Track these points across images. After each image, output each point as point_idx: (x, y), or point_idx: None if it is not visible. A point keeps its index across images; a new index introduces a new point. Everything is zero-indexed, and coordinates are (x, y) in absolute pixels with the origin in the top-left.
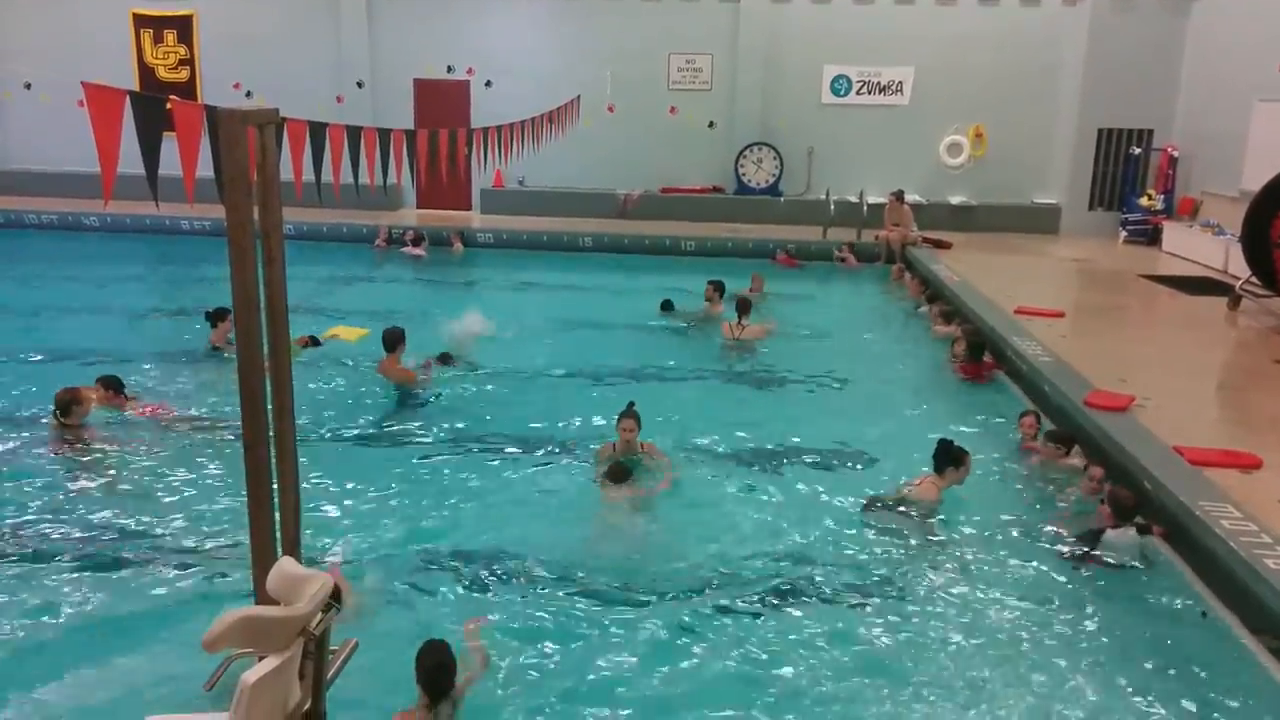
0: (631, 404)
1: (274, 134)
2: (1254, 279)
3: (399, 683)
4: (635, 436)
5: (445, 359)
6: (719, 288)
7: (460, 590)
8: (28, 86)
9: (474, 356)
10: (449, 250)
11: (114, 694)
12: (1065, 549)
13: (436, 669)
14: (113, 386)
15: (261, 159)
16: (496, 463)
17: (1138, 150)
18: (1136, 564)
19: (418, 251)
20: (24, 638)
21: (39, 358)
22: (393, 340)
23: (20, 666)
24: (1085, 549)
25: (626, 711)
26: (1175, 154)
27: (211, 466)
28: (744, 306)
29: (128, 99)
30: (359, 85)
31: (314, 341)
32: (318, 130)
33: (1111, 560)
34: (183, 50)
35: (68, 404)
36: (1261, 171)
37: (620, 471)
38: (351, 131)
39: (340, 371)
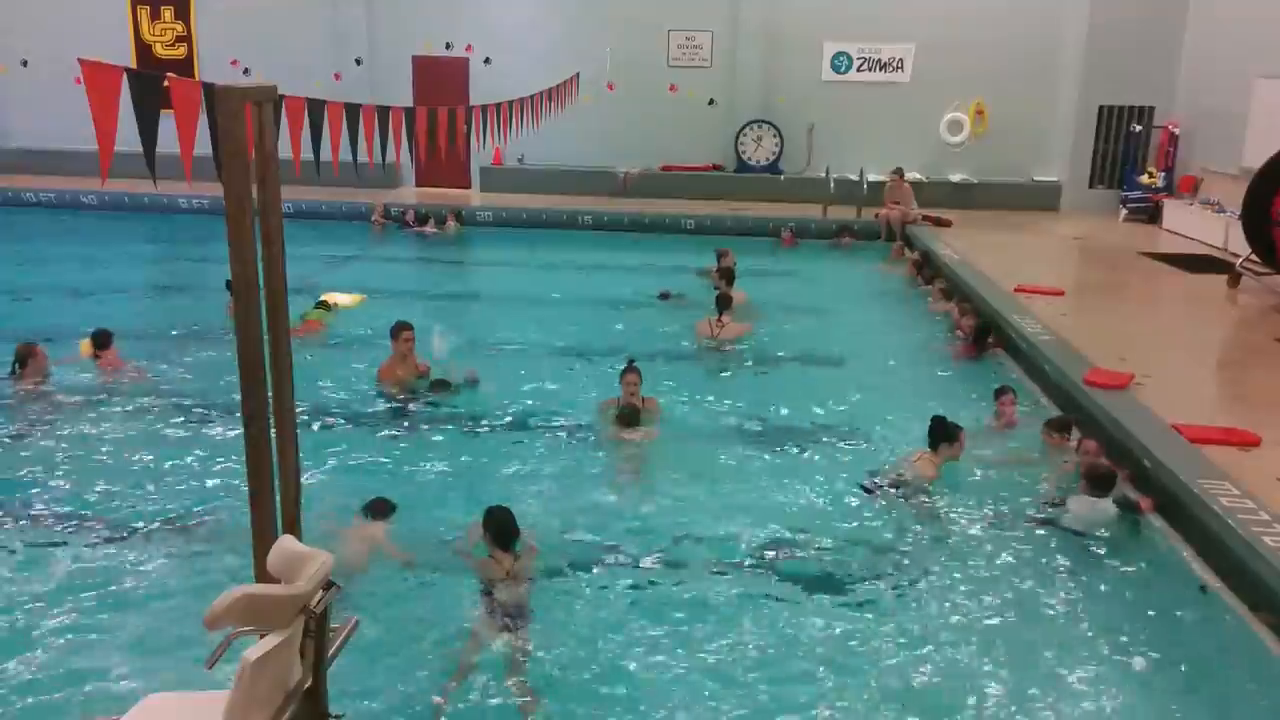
0: (632, 360)
1: (272, 111)
2: (1254, 257)
3: (402, 660)
4: (638, 390)
5: (442, 385)
6: (726, 276)
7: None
8: (25, 64)
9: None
10: (443, 229)
11: (116, 672)
12: (1051, 521)
13: (504, 524)
14: (97, 343)
15: (259, 136)
16: (496, 439)
17: (1138, 127)
18: (1108, 537)
19: (429, 229)
20: (24, 614)
21: (34, 335)
22: (397, 332)
23: (19, 644)
24: (1052, 517)
25: (619, 677)
26: (1176, 131)
27: (214, 441)
28: (724, 302)
29: (125, 76)
30: (357, 62)
31: (328, 307)
32: (316, 108)
33: (1078, 529)
34: (180, 27)
35: (24, 357)
36: (1262, 149)
37: (630, 416)
38: (350, 109)
39: (341, 350)
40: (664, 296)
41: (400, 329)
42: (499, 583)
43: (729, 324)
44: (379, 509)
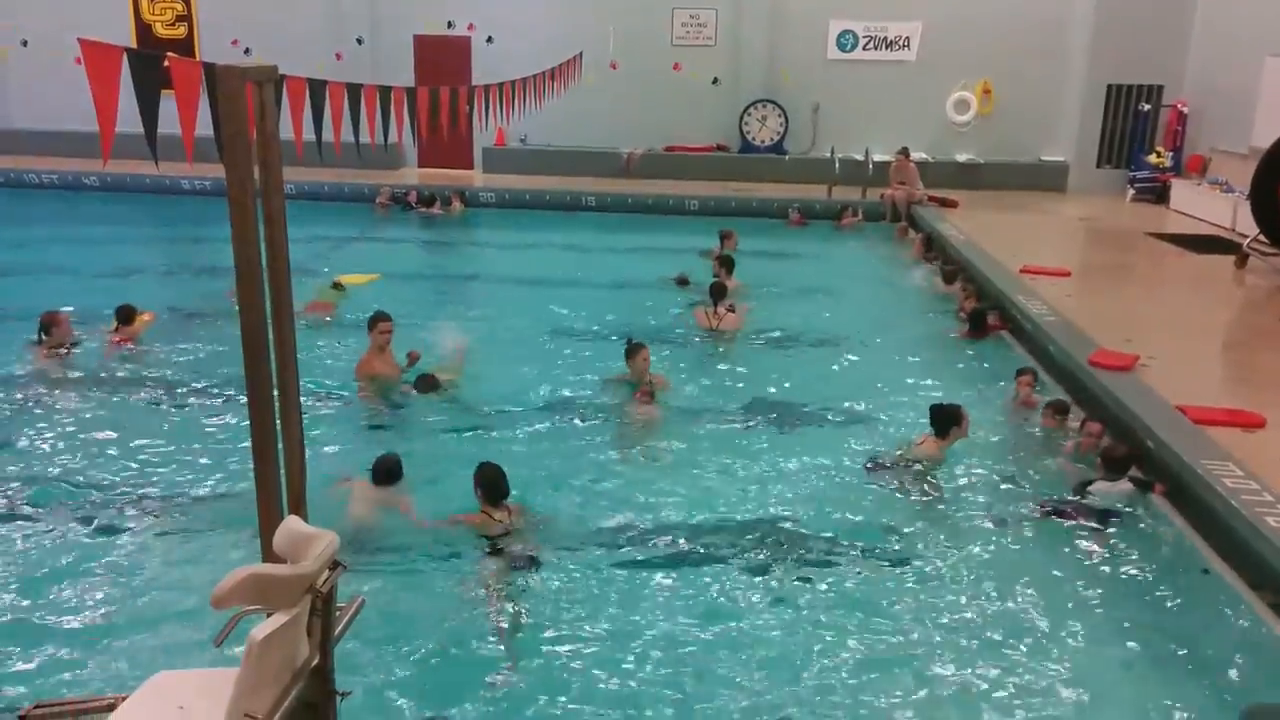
0: (630, 339)
1: (273, 91)
2: (1261, 237)
3: (407, 639)
4: (648, 366)
5: (430, 384)
6: (726, 264)
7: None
8: (24, 44)
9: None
10: (449, 210)
11: (125, 650)
12: (1063, 503)
13: (494, 479)
14: (120, 317)
15: (261, 117)
16: (500, 419)
17: (1147, 106)
18: (1126, 511)
19: (435, 211)
20: (32, 591)
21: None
22: (374, 323)
23: (28, 621)
24: (1077, 498)
25: (622, 659)
26: (1185, 110)
27: (221, 422)
28: (720, 291)
29: (125, 57)
30: (359, 42)
31: (339, 287)
32: (317, 88)
33: (1101, 509)
34: (180, 6)
35: (47, 324)
36: (1272, 129)
37: (649, 392)
38: (351, 89)
39: (350, 331)
40: (682, 282)
41: (377, 320)
42: (499, 538)
43: (726, 315)
44: (390, 473)
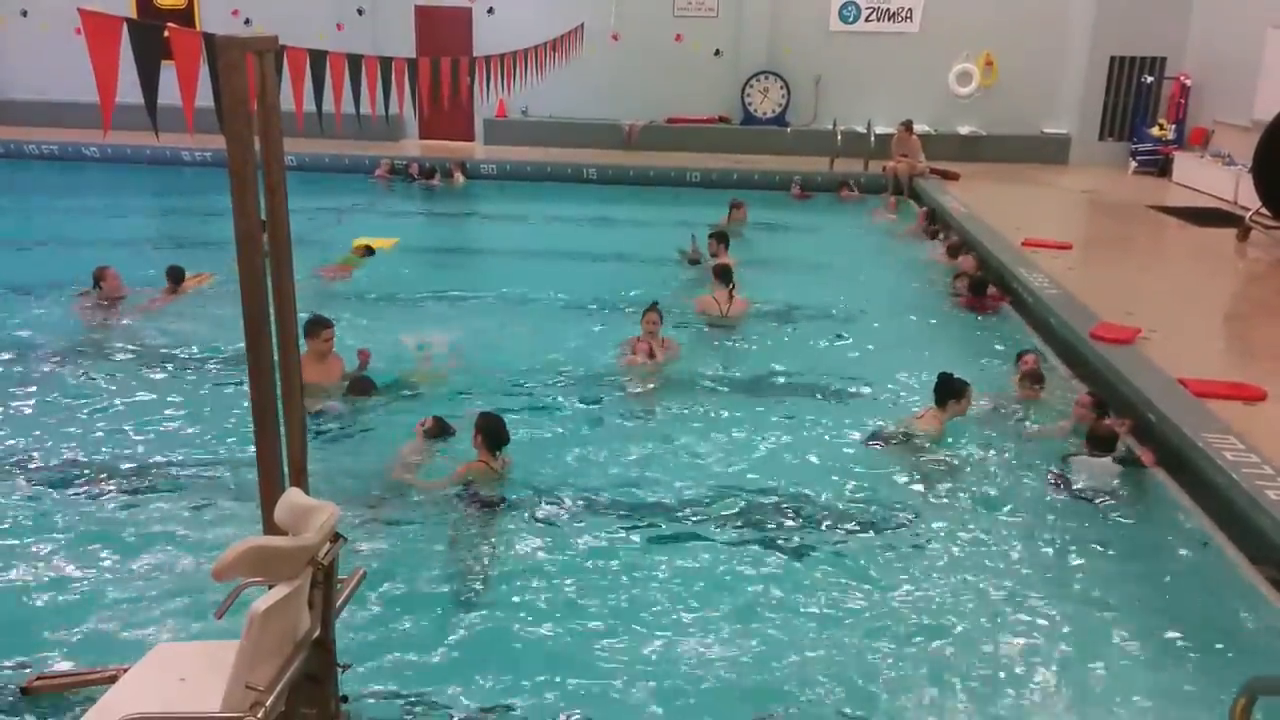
0: (655, 303)
1: (273, 62)
2: (1263, 210)
3: (407, 611)
4: (659, 330)
5: (364, 387)
6: (724, 240)
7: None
8: (24, 14)
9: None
10: (450, 181)
11: (126, 622)
12: (1052, 478)
13: (497, 427)
14: (171, 277)
15: (261, 88)
16: (503, 390)
17: (1149, 79)
18: (1111, 492)
19: (436, 182)
20: (36, 563)
21: (38, 289)
22: (316, 329)
23: (32, 593)
24: (1059, 474)
25: (622, 631)
26: (1187, 83)
27: (225, 393)
28: (726, 274)
29: (125, 27)
30: (359, 12)
31: (369, 251)
32: (318, 59)
33: (1083, 487)
34: None
35: (96, 278)
36: (1274, 101)
37: (650, 346)
38: (352, 60)
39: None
40: (694, 261)
41: (320, 326)
42: (488, 484)
43: (738, 299)
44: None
